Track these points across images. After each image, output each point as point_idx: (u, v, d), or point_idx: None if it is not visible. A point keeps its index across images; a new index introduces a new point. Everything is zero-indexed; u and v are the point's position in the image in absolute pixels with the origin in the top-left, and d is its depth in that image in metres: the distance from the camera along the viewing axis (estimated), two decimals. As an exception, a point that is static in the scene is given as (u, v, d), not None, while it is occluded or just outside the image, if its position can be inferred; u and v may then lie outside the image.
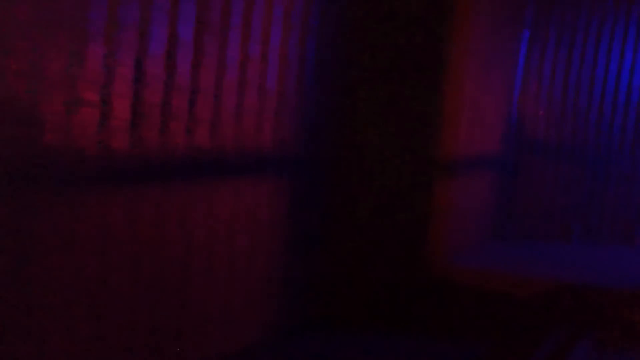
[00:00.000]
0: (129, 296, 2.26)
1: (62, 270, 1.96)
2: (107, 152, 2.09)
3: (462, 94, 4.99)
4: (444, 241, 5.26)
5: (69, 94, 1.92)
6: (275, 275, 3.38)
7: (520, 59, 5.85)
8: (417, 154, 4.85)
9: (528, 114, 5.96)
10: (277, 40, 3.13)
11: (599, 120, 6.06)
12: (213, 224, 2.68)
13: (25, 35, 1.70)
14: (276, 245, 3.35)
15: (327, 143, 4.46)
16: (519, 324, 4.76)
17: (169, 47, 2.30)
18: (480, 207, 5.78)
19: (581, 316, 4.63)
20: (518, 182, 6.07)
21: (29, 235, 1.83)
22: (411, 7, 4.53)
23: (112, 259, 2.16)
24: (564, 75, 5.94)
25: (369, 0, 4.53)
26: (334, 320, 4.74)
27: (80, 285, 2.04)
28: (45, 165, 1.85)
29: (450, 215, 5.28)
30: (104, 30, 1.99)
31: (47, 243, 1.90)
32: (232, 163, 2.76)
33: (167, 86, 2.33)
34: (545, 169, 6.08)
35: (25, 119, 1.75)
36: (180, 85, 2.38)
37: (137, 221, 2.25)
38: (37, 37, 1.76)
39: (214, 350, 2.84)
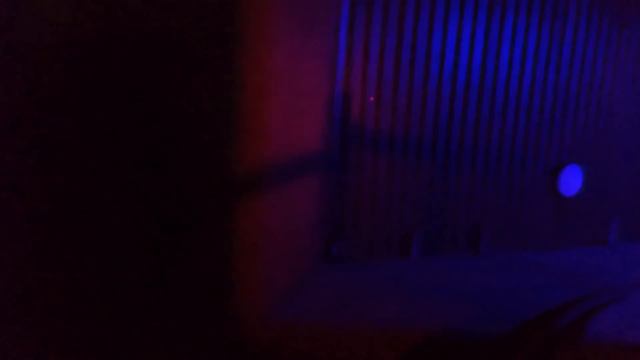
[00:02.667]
0: None
1: None
2: None
3: (268, 77, 3.40)
4: (255, 284, 3.64)
5: None
6: None
7: (342, 32, 4.45)
8: (206, 169, 3.18)
9: (354, 98, 4.59)
10: None
11: (437, 106, 4.92)
12: None
13: None
14: None
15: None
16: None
17: None
18: (305, 224, 4.28)
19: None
20: (348, 187, 4.69)
21: None
22: None
23: None
24: (396, 49, 4.67)
25: None
26: None
27: None
28: None
29: (263, 244, 3.68)
30: None
31: None
32: None
33: None
34: (378, 168, 4.78)
35: None
36: None
37: None
38: None
39: None
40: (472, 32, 4.96)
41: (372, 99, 4.62)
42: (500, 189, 5.34)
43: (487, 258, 5.27)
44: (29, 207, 3.26)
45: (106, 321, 3.36)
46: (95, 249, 3.33)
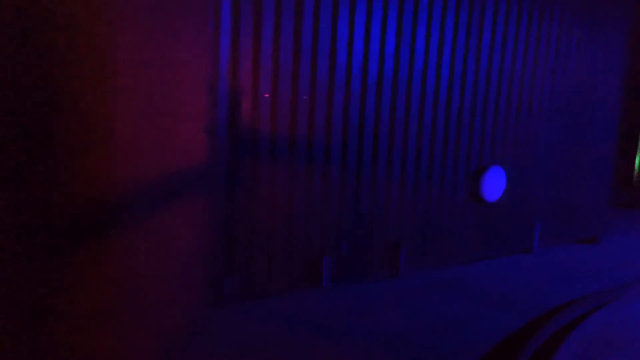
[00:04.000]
0: None
1: None
2: None
3: (113, 68, 2.37)
4: (116, 351, 2.60)
5: None
6: None
7: (224, 11, 3.48)
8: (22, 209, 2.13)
9: (244, 95, 3.65)
10: None
11: (346, 104, 4.08)
12: None
13: None
14: None
15: None
16: None
17: None
18: (186, 261, 3.28)
19: None
20: (239, 207, 3.74)
21: None
22: None
23: None
24: (294, 34, 3.77)
25: None
26: None
27: None
28: None
29: (124, 297, 2.64)
30: None
31: None
32: None
33: None
34: (277, 182, 3.86)
35: None
36: None
37: None
38: None
39: None
40: (384, 14, 4.16)
41: (266, 95, 3.69)
42: (419, 199, 4.62)
43: (407, 280, 4.52)
44: None
45: None
46: None
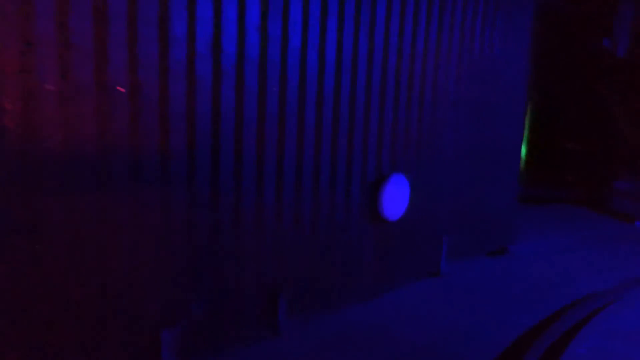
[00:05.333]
0: None
1: None
2: None
3: None
4: None
5: None
6: None
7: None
8: None
9: (7, 81, 2.21)
10: None
11: (190, 97, 2.76)
12: None
13: None
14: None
15: None
16: None
17: None
18: None
19: None
20: (15, 259, 2.29)
21: None
22: None
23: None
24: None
25: None
26: None
27: None
28: None
29: None
30: None
31: None
32: None
33: None
34: (75, 218, 2.46)
35: None
36: None
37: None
38: None
39: None
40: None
41: (50, 87, 2.27)
42: (303, 226, 3.41)
43: (291, 339, 3.29)
44: None
45: None
46: None
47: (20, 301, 2.33)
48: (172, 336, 2.78)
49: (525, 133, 7.60)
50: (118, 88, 2.43)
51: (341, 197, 3.60)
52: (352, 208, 3.68)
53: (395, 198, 3.85)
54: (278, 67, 3.10)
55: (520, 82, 5.10)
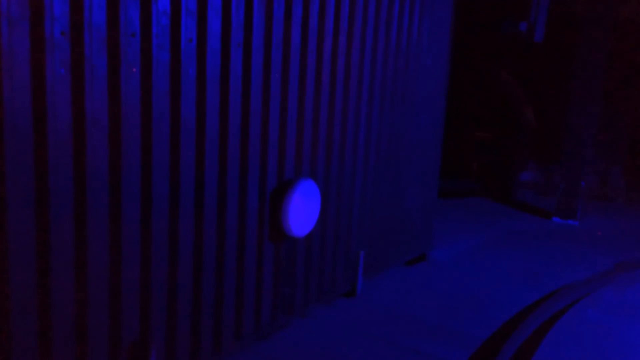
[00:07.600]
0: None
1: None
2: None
3: None
4: None
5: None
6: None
7: None
8: None
9: None
10: None
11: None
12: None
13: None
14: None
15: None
16: None
17: None
18: None
19: None
20: None
21: None
22: None
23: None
24: None
25: None
26: None
27: None
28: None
29: None
30: None
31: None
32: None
33: None
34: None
35: None
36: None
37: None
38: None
39: None
40: None
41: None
42: (182, 253, 2.54)
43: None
44: None
45: None
46: None
47: None
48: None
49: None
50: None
51: (233, 212, 2.77)
52: (248, 225, 2.86)
53: (303, 209, 3.06)
54: (137, 39, 2.21)
55: (440, 70, 4.47)
